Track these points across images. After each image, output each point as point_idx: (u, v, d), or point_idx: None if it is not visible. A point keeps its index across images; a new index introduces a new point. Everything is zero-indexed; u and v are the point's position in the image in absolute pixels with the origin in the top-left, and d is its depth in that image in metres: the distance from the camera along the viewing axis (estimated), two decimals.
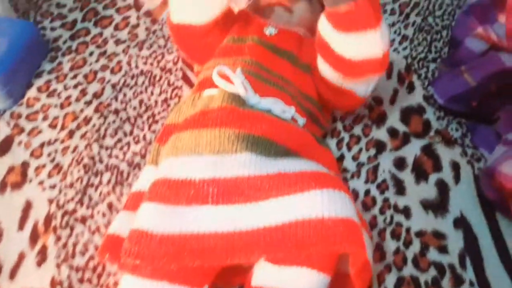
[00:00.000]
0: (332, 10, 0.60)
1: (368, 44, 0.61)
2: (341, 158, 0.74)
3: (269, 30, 0.71)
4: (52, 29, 0.90)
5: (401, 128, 0.77)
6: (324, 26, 0.64)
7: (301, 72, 0.69)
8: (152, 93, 0.82)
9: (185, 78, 0.83)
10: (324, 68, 0.67)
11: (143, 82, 0.83)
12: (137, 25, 0.92)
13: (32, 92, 0.80)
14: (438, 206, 0.68)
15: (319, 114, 0.70)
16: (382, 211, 0.68)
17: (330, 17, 0.62)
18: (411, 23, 0.93)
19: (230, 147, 0.54)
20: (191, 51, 0.76)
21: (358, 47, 0.62)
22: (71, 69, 0.84)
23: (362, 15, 0.58)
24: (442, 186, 0.70)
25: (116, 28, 0.91)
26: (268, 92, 0.63)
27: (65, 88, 0.81)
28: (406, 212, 0.68)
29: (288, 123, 0.61)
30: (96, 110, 0.78)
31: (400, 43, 0.90)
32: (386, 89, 0.82)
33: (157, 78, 0.84)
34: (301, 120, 0.64)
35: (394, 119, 0.78)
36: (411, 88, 0.83)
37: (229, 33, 0.72)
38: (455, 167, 0.72)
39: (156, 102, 0.81)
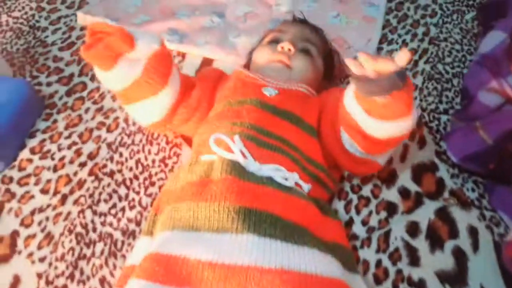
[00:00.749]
0: (367, 99, 0.56)
1: (399, 128, 0.59)
2: (350, 222, 0.69)
3: (269, 91, 0.68)
4: (48, 84, 0.88)
5: (413, 187, 0.73)
6: (353, 106, 0.60)
7: (305, 134, 0.66)
8: (149, 152, 0.79)
9: (184, 135, 0.80)
10: (348, 142, 0.64)
11: (141, 140, 0.80)
12: None
13: (25, 154, 0.78)
14: (456, 278, 0.63)
15: (326, 177, 0.66)
16: (395, 285, 0.63)
17: (362, 103, 0.58)
18: (420, 71, 0.90)
19: (230, 225, 0.51)
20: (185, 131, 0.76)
21: (389, 131, 0.59)
22: (66, 127, 0.82)
23: (397, 107, 0.56)
24: (459, 255, 0.65)
25: None
26: (269, 158, 0.60)
27: (59, 149, 0.78)
28: (421, 286, 0.63)
29: (291, 195, 0.58)
30: (91, 172, 0.75)
31: None
32: None
33: (155, 135, 0.81)
34: (306, 186, 0.61)
35: (405, 178, 0.74)
36: (422, 143, 0.79)
37: (226, 97, 0.69)
38: (473, 232, 0.68)
39: (153, 161, 0.78)
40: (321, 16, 0.98)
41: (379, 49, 0.93)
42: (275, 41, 0.77)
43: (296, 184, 0.59)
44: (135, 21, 0.96)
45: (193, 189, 0.57)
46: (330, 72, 0.83)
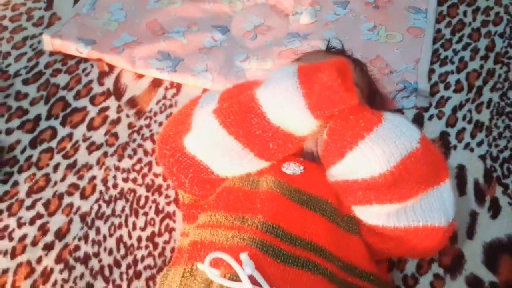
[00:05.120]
0: None
1: None
2: None
3: (292, 167, 0.50)
4: (9, 131, 0.72)
5: (487, 276, 0.58)
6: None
7: (341, 231, 0.49)
8: (134, 227, 0.63)
9: (179, 201, 0.64)
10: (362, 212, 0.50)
11: (123, 209, 0.65)
12: (117, 121, 0.73)
13: None
14: None
15: (371, 285, 0.49)
16: None
17: None
18: (485, 103, 0.71)
19: None
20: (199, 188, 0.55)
21: None
22: (29, 193, 0.66)
23: None
24: None
25: (91, 126, 0.72)
26: (296, 282, 0.43)
27: (19, 224, 0.63)
28: None
29: None
30: (59, 258, 0.60)
31: (473, 135, 0.68)
32: (460, 213, 0.60)
33: (142, 201, 0.65)
34: None
35: (475, 263, 0.59)
36: (495, 209, 0.62)
37: None
38: None
39: (139, 240, 0.62)
40: (353, 28, 0.79)
41: (431, 71, 0.74)
42: None
43: None
44: (116, 43, 0.79)
45: None
46: None
